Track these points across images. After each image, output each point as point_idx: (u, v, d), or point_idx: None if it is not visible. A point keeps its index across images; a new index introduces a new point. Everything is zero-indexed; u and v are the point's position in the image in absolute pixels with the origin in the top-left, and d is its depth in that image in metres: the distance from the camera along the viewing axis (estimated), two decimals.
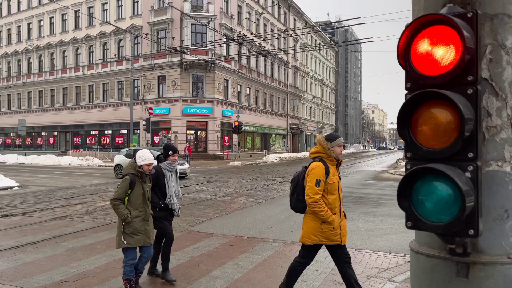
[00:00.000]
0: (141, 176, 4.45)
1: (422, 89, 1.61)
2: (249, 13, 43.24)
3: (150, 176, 4.65)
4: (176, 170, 5.12)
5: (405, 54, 1.67)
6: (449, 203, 1.52)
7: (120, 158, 20.21)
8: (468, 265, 1.60)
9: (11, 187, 14.91)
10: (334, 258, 4.02)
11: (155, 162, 4.76)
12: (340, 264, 3.94)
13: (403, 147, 68.50)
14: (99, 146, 41.21)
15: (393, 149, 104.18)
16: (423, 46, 1.62)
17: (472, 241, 1.61)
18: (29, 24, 48.26)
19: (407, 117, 1.66)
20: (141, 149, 4.80)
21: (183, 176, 17.90)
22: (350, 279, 3.88)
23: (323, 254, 6.13)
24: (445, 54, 1.57)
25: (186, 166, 19.46)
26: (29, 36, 48.13)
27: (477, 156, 1.55)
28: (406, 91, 1.71)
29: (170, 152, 4.99)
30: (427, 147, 1.62)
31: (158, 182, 4.89)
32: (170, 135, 36.56)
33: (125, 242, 4.35)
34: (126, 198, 4.35)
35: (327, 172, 3.83)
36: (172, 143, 5.38)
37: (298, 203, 4.05)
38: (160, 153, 5.31)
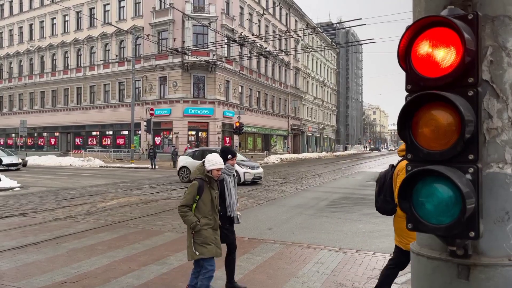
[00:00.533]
0: (210, 182, 4.15)
1: (423, 91, 1.61)
2: (251, 14, 43.30)
3: (218, 182, 4.36)
4: (234, 175, 4.82)
5: (405, 55, 1.67)
6: (450, 205, 1.52)
7: (186, 160, 18.19)
8: (469, 267, 1.60)
9: (12, 188, 14.94)
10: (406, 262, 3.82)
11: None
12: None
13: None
14: (100, 147, 41.28)
15: (386, 150, 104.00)
16: (424, 48, 1.62)
17: (473, 243, 1.61)
18: (30, 25, 48.40)
19: (408, 118, 1.66)
20: (211, 152, 4.55)
21: (257, 180, 16.93)
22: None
23: (324, 256, 6.14)
24: (446, 56, 1.57)
25: (261, 170, 17.62)
26: (31, 37, 48.26)
27: (477, 158, 1.54)
28: (407, 93, 1.71)
29: (229, 156, 4.63)
30: (427, 149, 1.62)
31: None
32: (171, 136, 36.61)
33: (197, 253, 4.03)
34: (194, 205, 4.06)
35: None
36: (228, 147, 5.17)
37: (386, 204, 3.80)
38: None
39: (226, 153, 4.65)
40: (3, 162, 23.40)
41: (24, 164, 28.05)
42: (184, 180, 17.42)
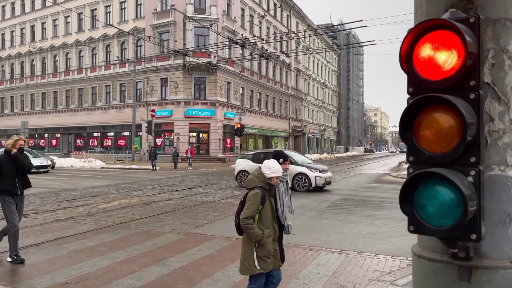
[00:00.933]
0: (269, 189, 3.88)
1: (425, 93, 1.61)
2: (252, 16, 43.36)
3: (276, 190, 4.13)
4: (287, 181, 4.56)
5: (407, 58, 1.68)
6: (451, 208, 1.52)
7: (245, 163, 16.61)
8: (470, 269, 1.60)
9: None
10: None
11: None
12: None
13: (405, 150, 68.39)
14: (101, 148, 41.33)
15: (387, 151, 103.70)
16: (426, 50, 1.63)
17: (475, 245, 1.61)
18: (32, 27, 48.52)
19: (410, 121, 1.67)
20: (270, 154, 4.23)
21: (327, 185, 15.38)
22: None
23: (325, 257, 6.13)
24: (448, 59, 1.58)
25: (330, 173, 16.09)
26: (33, 38, 48.37)
27: (479, 160, 1.55)
28: (409, 96, 1.72)
29: (281, 160, 4.27)
30: (429, 152, 1.63)
31: None
32: (172, 137, 36.64)
33: (258, 267, 3.72)
34: (257, 216, 3.75)
35: None
36: (280, 151, 4.58)
37: None
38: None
39: (278, 157, 4.33)
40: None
41: (53, 166, 26.30)
42: (243, 185, 16.62)
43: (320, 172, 15.06)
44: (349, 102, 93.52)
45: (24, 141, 6.20)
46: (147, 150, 35.24)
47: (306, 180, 14.68)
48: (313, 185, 14.61)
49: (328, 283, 5.02)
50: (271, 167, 3.84)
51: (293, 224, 8.82)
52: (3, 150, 6.11)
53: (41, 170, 23.33)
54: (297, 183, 14.77)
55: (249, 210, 3.71)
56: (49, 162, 25.16)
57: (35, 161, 21.70)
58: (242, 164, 16.82)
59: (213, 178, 20.94)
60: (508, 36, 1.63)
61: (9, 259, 5.78)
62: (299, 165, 15.08)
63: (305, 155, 27.57)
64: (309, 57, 59.45)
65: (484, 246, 1.62)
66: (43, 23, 47.42)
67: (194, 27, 35.47)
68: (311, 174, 14.68)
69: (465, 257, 1.60)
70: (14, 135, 6.34)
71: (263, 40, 36.67)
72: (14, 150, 5.91)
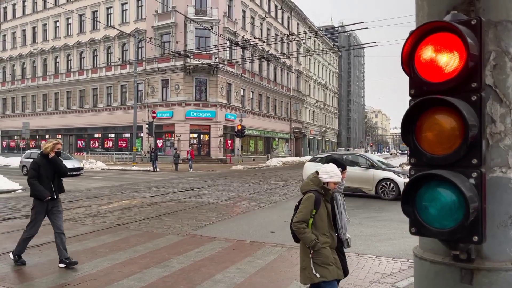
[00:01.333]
0: (325, 194, 3.70)
1: (426, 95, 1.61)
2: (253, 18, 43.40)
3: (333, 195, 3.92)
4: (342, 192, 4.34)
5: (409, 60, 1.68)
6: (453, 209, 1.52)
7: (316, 167, 14.79)
8: (472, 271, 1.60)
9: (14, 190, 14.97)
10: None
11: None
12: None
13: (406, 152, 68.51)
14: (102, 149, 41.35)
15: (388, 153, 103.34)
16: (427, 52, 1.63)
17: (476, 247, 1.61)
18: (34, 28, 48.61)
19: (411, 123, 1.67)
20: (329, 161, 3.95)
21: None
22: None
23: None
24: (449, 61, 1.58)
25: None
26: (34, 40, 48.45)
27: (481, 162, 1.55)
28: (410, 98, 1.72)
29: (339, 169, 3.91)
30: (431, 153, 1.63)
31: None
32: (173, 138, 36.65)
33: (317, 275, 3.50)
34: (310, 221, 3.60)
35: None
36: (337, 158, 4.65)
37: None
38: None
39: (338, 164, 3.99)
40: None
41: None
42: None
43: (406, 177, 13.80)
44: (350, 103, 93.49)
45: (61, 144, 6.11)
46: (147, 152, 35.26)
47: (394, 187, 12.85)
48: (401, 192, 13.00)
49: None
50: (329, 171, 3.69)
51: None
52: (40, 152, 6.02)
53: (73, 173, 21.75)
54: (382, 189, 13.01)
55: (301, 214, 3.58)
56: (82, 165, 23.56)
57: (68, 164, 20.60)
58: (313, 168, 15.27)
59: (214, 179, 20.94)
60: (510, 38, 1.63)
61: (11, 255, 5.76)
62: (383, 169, 13.39)
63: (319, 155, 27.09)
64: (310, 59, 59.46)
65: (486, 248, 1.62)
66: (44, 25, 47.50)
67: (195, 28, 35.51)
68: (400, 180, 12.74)
69: (467, 259, 1.60)
70: (54, 139, 6.22)
71: (264, 42, 36.72)
72: (52, 154, 5.80)
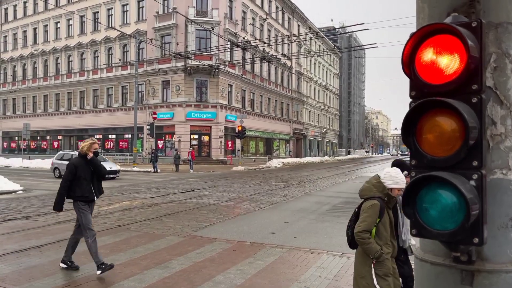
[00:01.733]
0: (388, 201, 3.48)
1: (427, 97, 1.62)
2: (253, 19, 43.45)
3: (397, 201, 3.66)
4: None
5: (409, 62, 1.68)
6: (454, 211, 1.52)
7: None
8: (472, 273, 1.60)
9: (15, 191, 14.97)
10: None
11: None
12: None
13: (406, 153, 68.48)
14: (103, 150, 41.34)
15: (388, 154, 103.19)
16: (428, 55, 1.63)
17: (477, 249, 1.61)
18: (34, 29, 48.70)
19: (412, 125, 1.67)
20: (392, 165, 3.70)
21: None
22: None
23: (326, 260, 6.12)
24: (450, 63, 1.58)
25: None
26: (35, 41, 48.53)
27: (481, 164, 1.55)
28: (411, 99, 1.72)
29: (405, 173, 3.56)
30: (431, 155, 1.63)
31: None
32: (173, 139, 36.68)
33: (377, 287, 3.43)
34: (373, 230, 3.41)
35: None
36: (403, 161, 3.92)
37: None
38: None
39: (402, 167, 3.69)
40: None
41: None
42: None
43: None
44: (350, 104, 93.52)
45: (98, 144, 5.85)
46: (148, 153, 35.28)
47: None
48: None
49: (329, 286, 5.02)
50: (393, 177, 3.43)
51: (295, 227, 8.84)
52: (77, 153, 5.85)
53: (110, 176, 20.56)
54: None
55: (365, 223, 3.37)
56: (118, 167, 22.50)
57: (105, 166, 19.81)
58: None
59: (214, 180, 20.94)
60: (510, 40, 1.64)
61: (98, 272, 5.28)
62: None
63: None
64: (310, 60, 59.52)
65: (486, 250, 1.62)
66: (45, 26, 47.58)
67: (196, 29, 35.56)
68: None
69: (467, 261, 1.60)
70: (89, 138, 5.94)
71: (264, 43, 36.69)
72: (91, 154, 5.63)
